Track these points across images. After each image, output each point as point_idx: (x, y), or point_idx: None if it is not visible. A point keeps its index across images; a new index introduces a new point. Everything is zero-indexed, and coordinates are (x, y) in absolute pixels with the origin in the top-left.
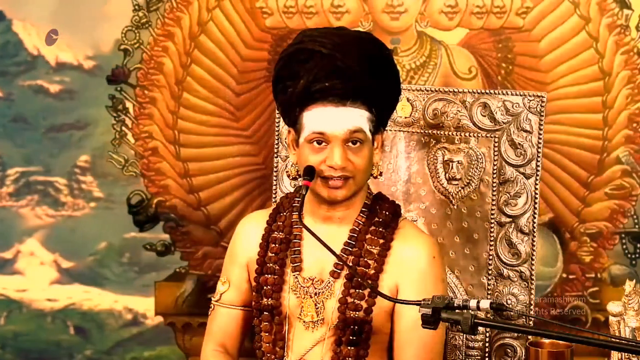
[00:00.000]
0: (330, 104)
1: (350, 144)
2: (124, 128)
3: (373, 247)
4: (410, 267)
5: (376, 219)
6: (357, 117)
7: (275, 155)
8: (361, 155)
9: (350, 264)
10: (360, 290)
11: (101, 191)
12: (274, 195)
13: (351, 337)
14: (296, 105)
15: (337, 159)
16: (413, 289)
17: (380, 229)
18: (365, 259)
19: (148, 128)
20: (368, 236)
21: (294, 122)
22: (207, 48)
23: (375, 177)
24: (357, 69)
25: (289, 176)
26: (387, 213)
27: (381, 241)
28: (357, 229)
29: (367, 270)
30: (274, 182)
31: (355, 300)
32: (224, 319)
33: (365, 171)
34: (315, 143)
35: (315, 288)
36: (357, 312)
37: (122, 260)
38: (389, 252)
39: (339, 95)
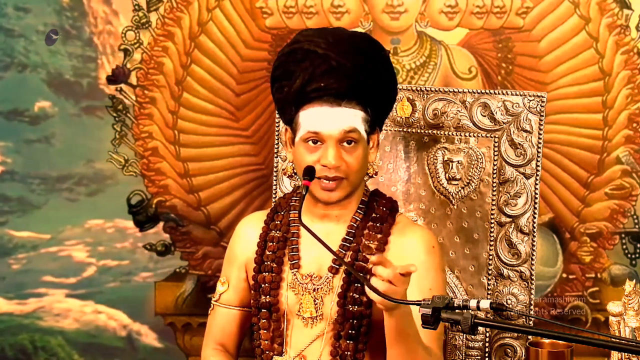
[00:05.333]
0: (325, 104)
1: (344, 143)
2: (124, 128)
3: (371, 242)
4: (410, 259)
5: (373, 214)
6: (352, 117)
7: (275, 155)
8: (355, 155)
9: (349, 260)
10: (360, 285)
11: None
12: (274, 195)
13: (350, 331)
14: (292, 105)
15: (331, 159)
16: (415, 280)
17: (378, 224)
18: (364, 254)
19: (148, 128)
20: (366, 231)
21: (290, 121)
22: (207, 48)
23: (371, 176)
24: (351, 67)
25: (285, 174)
26: (384, 209)
27: (379, 236)
28: (355, 225)
29: (365, 265)
30: (274, 182)
31: (355, 295)
32: (223, 319)
33: (359, 171)
34: (310, 142)
35: (314, 284)
36: (357, 306)
37: None
38: (387, 247)
39: (334, 95)
